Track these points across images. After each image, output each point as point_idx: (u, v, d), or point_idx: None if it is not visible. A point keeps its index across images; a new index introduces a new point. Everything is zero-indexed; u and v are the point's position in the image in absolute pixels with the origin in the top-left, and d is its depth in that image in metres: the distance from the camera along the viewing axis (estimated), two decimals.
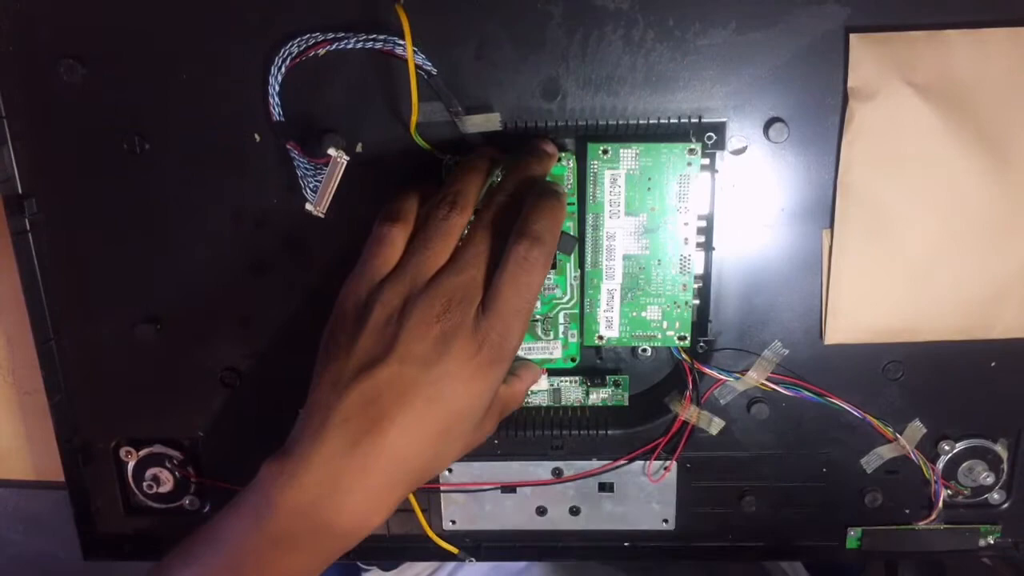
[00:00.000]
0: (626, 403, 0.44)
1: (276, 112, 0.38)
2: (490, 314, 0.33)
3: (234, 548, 0.33)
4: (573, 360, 0.42)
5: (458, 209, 0.35)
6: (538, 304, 0.41)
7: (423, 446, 0.33)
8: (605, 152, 0.39)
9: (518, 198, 0.35)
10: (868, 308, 0.40)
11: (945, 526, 0.44)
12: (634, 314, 0.41)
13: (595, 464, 0.44)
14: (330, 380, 0.33)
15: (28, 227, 0.41)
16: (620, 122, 0.39)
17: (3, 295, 0.51)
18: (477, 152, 0.38)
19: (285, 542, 0.33)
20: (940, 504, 0.43)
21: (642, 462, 0.44)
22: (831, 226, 0.39)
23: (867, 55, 0.37)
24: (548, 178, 0.38)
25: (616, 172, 0.39)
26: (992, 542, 0.45)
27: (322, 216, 0.38)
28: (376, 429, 0.32)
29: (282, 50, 0.37)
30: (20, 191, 0.41)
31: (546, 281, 0.41)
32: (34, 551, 0.59)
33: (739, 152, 0.39)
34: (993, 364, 0.41)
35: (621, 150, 0.38)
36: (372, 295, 0.34)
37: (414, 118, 0.37)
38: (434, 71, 0.37)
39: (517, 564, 0.60)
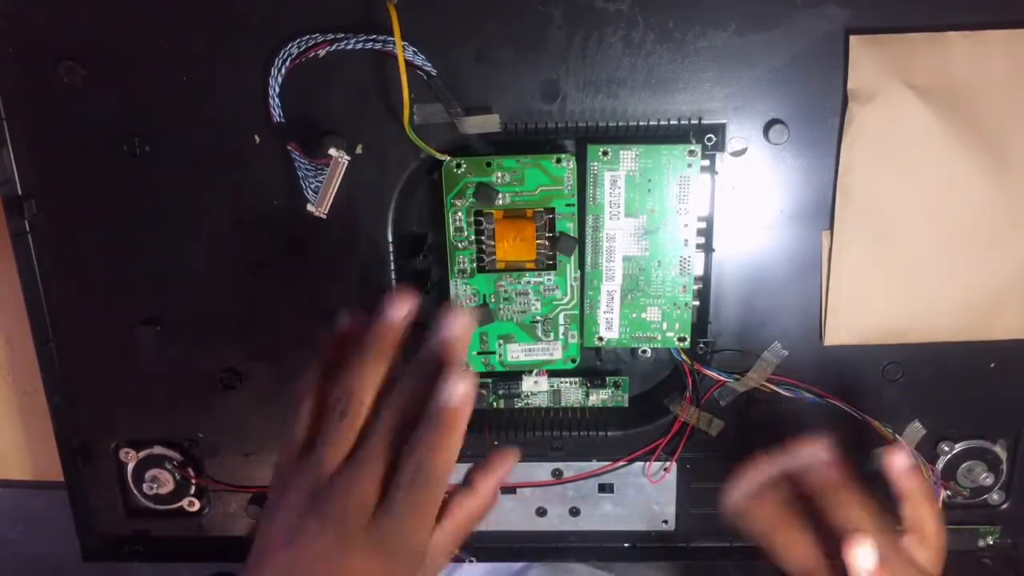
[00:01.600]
0: (626, 404, 0.44)
1: (276, 113, 0.38)
2: (386, 521, 0.33)
3: None
4: (573, 361, 0.42)
5: (349, 417, 0.34)
6: (538, 305, 0.41)
7: None
8: (605, 154, 0.39)
9: (409, 402, 0.34)
10: (867, 309, 0.40)
11: (944, 527, 0.44)
12: (634, 315, 0.41)
13: (595, 465, 0.44)
14: (259, 546, 0.34)
15: (28, 228, 0.41)
16: (620, 124, 0.39)
17: (3, 296, 0.50)
18: (378, 336, 0.35)
19: None
20: (939, 505, 0.43)
21: (642, 463, 0.44)
22: (831, 227, 0.39)
23: (867, 57, 0.37)
24: (548, 181, 0.38)
25: (616, 174, 0.39)
26: (991, 543, 0.45)
27: (324, 216, 0.38)
28: None
29: (282, 51, 0.37)
30: (20, 192, 0.41)
31: (546, 282, 0.41)
32: (34, 551, 0.59)
33: (739, 154, 0.39)
34: (992, 365, 0.41)
35: (621, 152, 0.39)
36: (290, 476, 0.34)
37: (406, 112, 0.37)
38: (434, 72, 0.37)
39: (515, 564, 0.60)
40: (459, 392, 0.33)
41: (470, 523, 0.36)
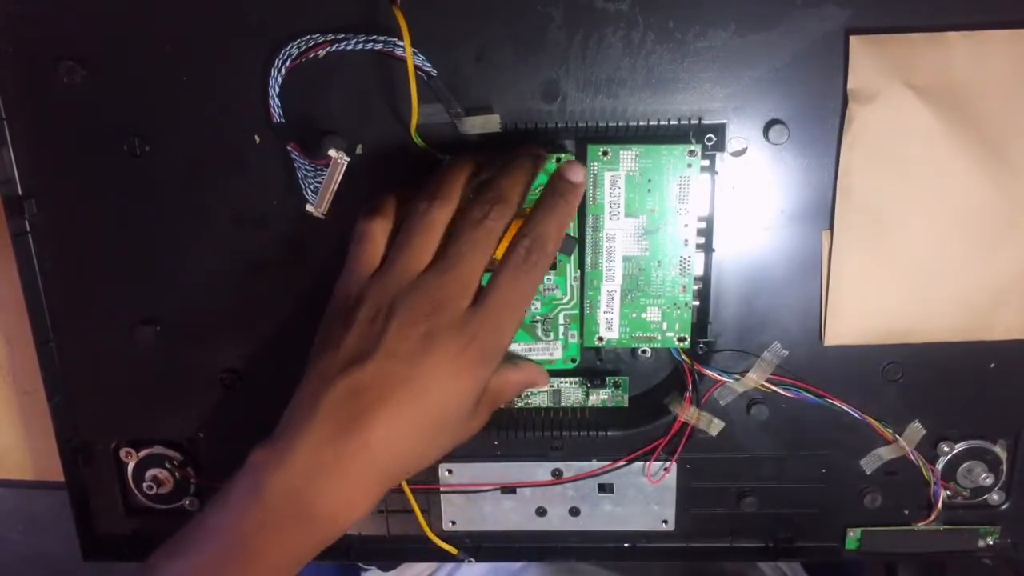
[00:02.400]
0: (626, 404, 0.44)
1: (276, 113, 0.38)
2: (483, 311, 0.33)
3: (221, 537, 0.33)
4: (573, 361, 0.42)
5: (438, 202, 0.34)
6: (538, 305, 0.41)
7: (407, 441, 0.33)
8: (605, 154, 0.39)
9: (506, 194, 0.35)
10: (868, 309, 0.40)
11: (944, 527, 0.44)
12: (634, 315, 0.41)
13: (595, 465, 0.44)
14: (318, 373, 0.34)
15: (28, 228, 0.41)
16: (620, 124, 0.39)
17: (3, 295, 0.50)
18: (463, 153, 0.38)
19: (271, 528, 0.32)
20: (939, 505, 0.43)
21: (642, 463, 0.44)
22: (831, 227, 0.39)
23: (867, 57, 0.37)
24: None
25: (616, 174, 0.39)
26: (991, 543, 0.45)
27: (323, 217, 0.38)
28: (359, 423, 0.32)
29: (282, 51, 0.37)
30: (20, 192, 0.41)
31: (546, 282, 0.41)
32: (34, 551, 0.59)
33: (739, 154, 0.39)
34: (992, 365, 0.41)
35: (621, 152, 0.39)
36: (361, 293, 0.35)
37: (414, 119, 0.37)
38: (434, 72, 0.37)
39: (515, 564, 0.60)
40: (580, 169, 0.35)
41: (512, 390, 0.38)
